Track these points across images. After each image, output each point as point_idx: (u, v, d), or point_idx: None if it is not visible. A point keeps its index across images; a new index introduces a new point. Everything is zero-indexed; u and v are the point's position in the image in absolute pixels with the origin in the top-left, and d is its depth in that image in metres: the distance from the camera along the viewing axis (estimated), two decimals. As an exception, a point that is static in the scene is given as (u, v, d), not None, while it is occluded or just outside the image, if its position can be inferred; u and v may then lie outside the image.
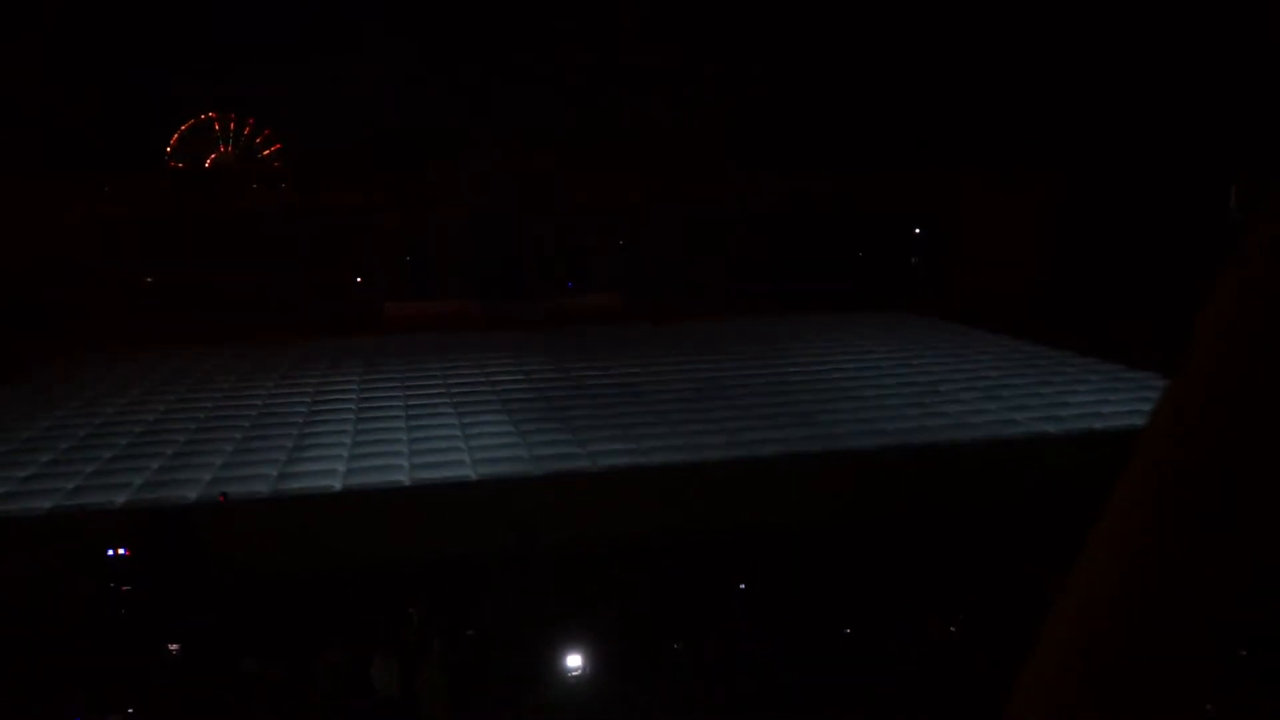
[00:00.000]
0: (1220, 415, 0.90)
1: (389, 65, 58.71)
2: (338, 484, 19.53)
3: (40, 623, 14.80)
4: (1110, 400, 24.93)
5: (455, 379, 29.63)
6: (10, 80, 50.89)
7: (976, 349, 32.84)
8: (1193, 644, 0.93)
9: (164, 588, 16.08)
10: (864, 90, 57.41)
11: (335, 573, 16.14)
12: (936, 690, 13.63)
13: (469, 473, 20.03)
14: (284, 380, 30.07)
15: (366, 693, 13.58)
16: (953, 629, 15.01)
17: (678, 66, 56.87)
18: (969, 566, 16.62)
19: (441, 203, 54.32)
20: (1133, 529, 0.96)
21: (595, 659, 14.08)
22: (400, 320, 47.92)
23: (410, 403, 26.45)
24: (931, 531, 17.52)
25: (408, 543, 17.40)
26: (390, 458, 21.20)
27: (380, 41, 59.24)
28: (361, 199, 54.77)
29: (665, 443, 21.74)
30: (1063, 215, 51.29)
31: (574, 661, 13.97)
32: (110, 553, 16.39)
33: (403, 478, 19.86)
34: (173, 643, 14.66)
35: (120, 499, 18.72)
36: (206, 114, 64.60)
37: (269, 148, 65.76)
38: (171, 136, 64.27)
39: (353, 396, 27.47)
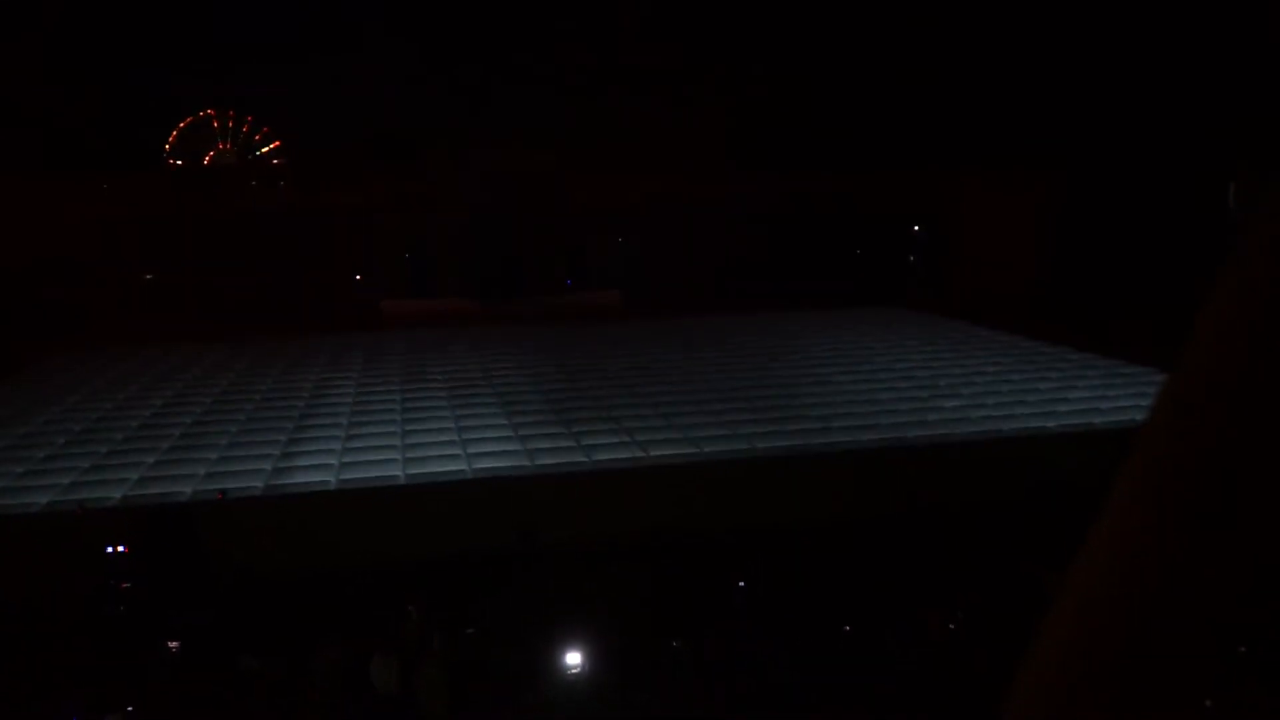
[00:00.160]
0: (1220, 414, 0.90)
1: (389, 65, 58.73)
2: (333, 480, 19.53)
3: (38, 620, 14.80)
4: (1109, 396, 24.93)
5: (453, 376, 29.62)
6: (10, 80, 50.88)
7: (974, 345, 32.82)
8: (1193, 642, 0.93)
9: (162, 585, 16.09)
10: (864, 90, 57.42)
11: (334, 570, 16.15)
12: (936, 689, 13.64)
13: (465, 470, 20.05)
14: (281, 377, 30.05)
15: (365, 690, 13.59)
16: (952, 626, 15.02)
17: (678, 66, 56.91)
18: (968, 564, 16.63)
19: (441, 202, 54.32)
20: (1132, 527, 0.96)
21: (594, 657, 14.09)
22: (399, 319, 47.89)
23: (407, 400, 26.44)
24: (930, 529, 17.53)
25: (406, 540, 17.40)
26: (386, 452, 21.21)
27: (380, 41, 59.27)
28: (361, 198, 54.77)
29: (664, 438, 21.75)
30: (1063, 215, 51.31)
31: (573, 659, 13.97)
32: (109, 550, 16.39)
33: (398, 473, 19.88)
34: (171, 640, 14.66)
35: (117, 494, 18.72)
36: (205, 111, 64.60)
37: (268, 146, 65.76)
38: (170, 134, 64.27)
39: (350, 393, 27.45)
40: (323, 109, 60.05)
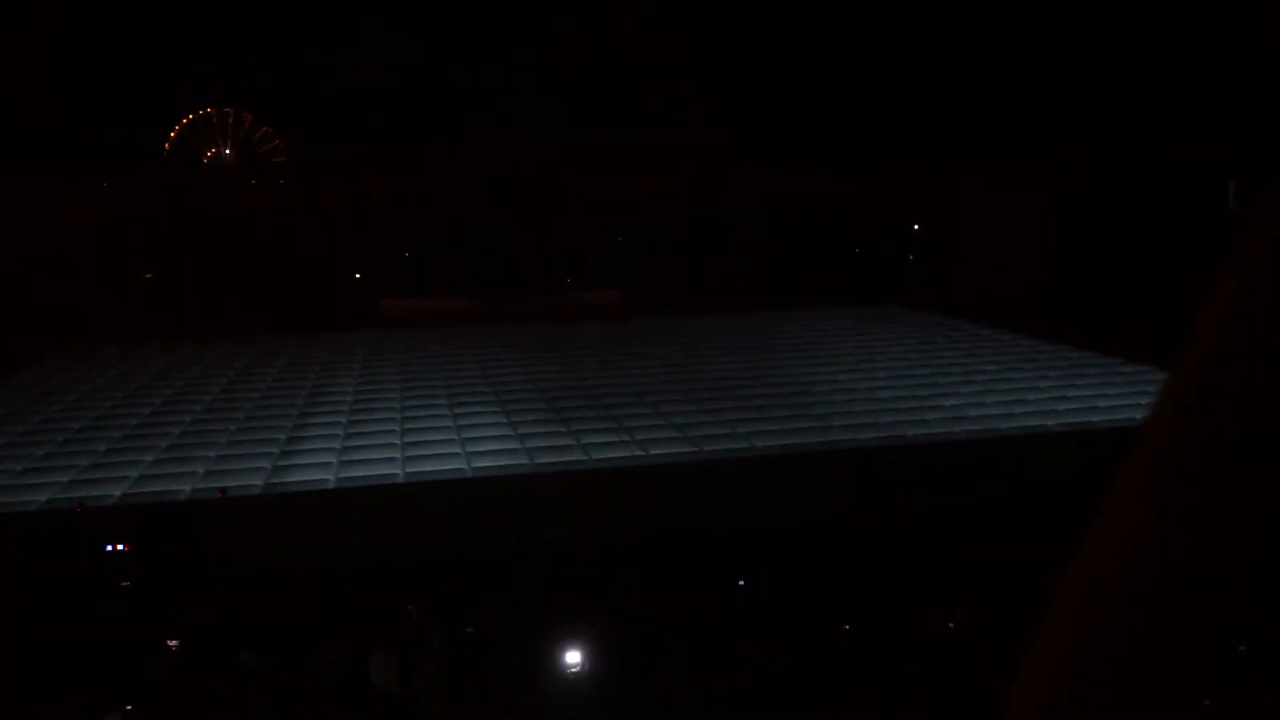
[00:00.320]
0: (1220, 414, 0.90)
1: (389, 64, 58.73)
2: (333, 479, 19.54)
3: (37, 619, 14.79)
4: (1108, 394, 24.94)
5: (453, 375, 29.62)
6: (10, 80, 50.86)
7: (973, 344, 32.84)
8: (1193, 642, 0.93)
9: (162, 584, 16.08)
10: (864, 90, 57.41)
11: (334, 568, 16.14)
12: (936, 689, 13.64)
13: (465, 469, 20.06)
14: (281, 376, 30.06)
15: (365, 689, 13.59)
16: (951, 625, 15.02)
17: (678, 66, 56.89)
18: (967, 562, 16.62)
19: (441, 200, 54.33)
20: (1132, 526, 0.96)
21: (594, 656, 14.09)
22: (399, 317, 47.91)
23: (407, 399, 26.45)
24: (929, 527, 17.54)
25: (406, 539, 17.40)
26: (386, 451, 21.22)
27: (380, 41, 59.26)
28: (361, 197, 54.78)
29: (664, 437, 21.76)
30: (1063, 215, 51.30)
31: (573, 658, 13.98)
32: (109, 548, 16.40)
33: (398, 472, 19.89)
34: (171, 639, 14.66)
35: (116, 493, 18.73)
36: (205, 111, 64.60)
37: (268, 144, 65.76)
38: (170, 134, 64.26)
39: (349, 392, 27.46)
40: (323, 109, 60.06)
